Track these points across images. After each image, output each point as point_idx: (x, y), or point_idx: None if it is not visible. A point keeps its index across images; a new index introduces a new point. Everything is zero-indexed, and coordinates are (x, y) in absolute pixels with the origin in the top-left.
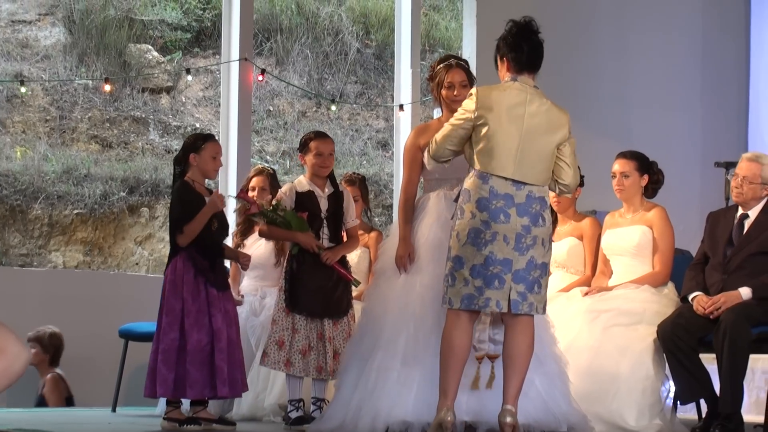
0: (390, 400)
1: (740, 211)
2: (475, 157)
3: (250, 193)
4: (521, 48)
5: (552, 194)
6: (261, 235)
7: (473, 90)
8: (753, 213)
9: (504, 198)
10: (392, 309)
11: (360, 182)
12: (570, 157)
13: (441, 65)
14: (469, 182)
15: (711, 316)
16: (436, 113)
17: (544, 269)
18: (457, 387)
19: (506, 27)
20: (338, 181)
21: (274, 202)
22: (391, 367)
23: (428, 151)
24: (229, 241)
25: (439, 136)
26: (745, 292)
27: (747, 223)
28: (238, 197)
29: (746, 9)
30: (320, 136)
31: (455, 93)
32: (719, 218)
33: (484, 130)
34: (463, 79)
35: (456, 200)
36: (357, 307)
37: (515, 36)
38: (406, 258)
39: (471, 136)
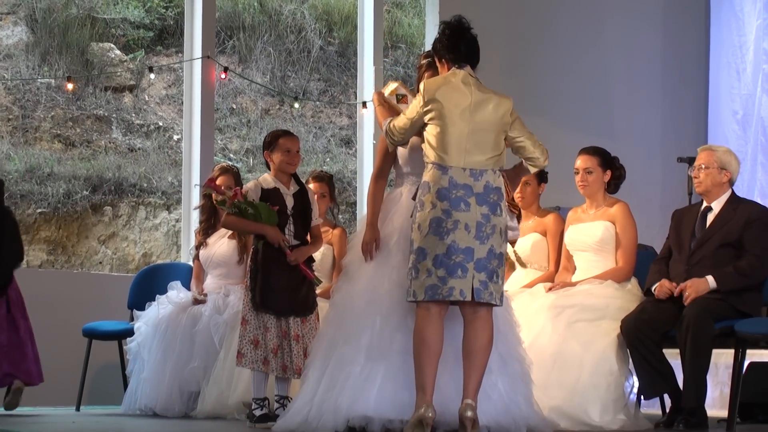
0: (352, 395)
1: (704, 205)
2: (430, 150)
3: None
4: (458, 48)
5: (516, 191)
6: (225, 225)
7: (422, 85)
8: (717, 205)
9: (463, 188)
10: (359, 303)
11: (328, 179)
12: (524, 132)
13: (425, 60)
14: (428, 174)
15: (677, 296)
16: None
17: (501, 259)
18: (434, 382)
19: (439, 29)
20: (303, 180)
21: (243, 192)
22: (354, 361)
23: (386, 132)
24: (191, 239)
25: (396, 125)
26: (711, 280)
27: (710, 216)
28: (206, 186)
29: (706, 6)
30: (288, 133)
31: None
32: (684, 215)
33: (434, 123)
34: None
35: (414, 197)
36: (322, 305)
37: (450, 37)
38: (372, 244)
39: (424, 130)
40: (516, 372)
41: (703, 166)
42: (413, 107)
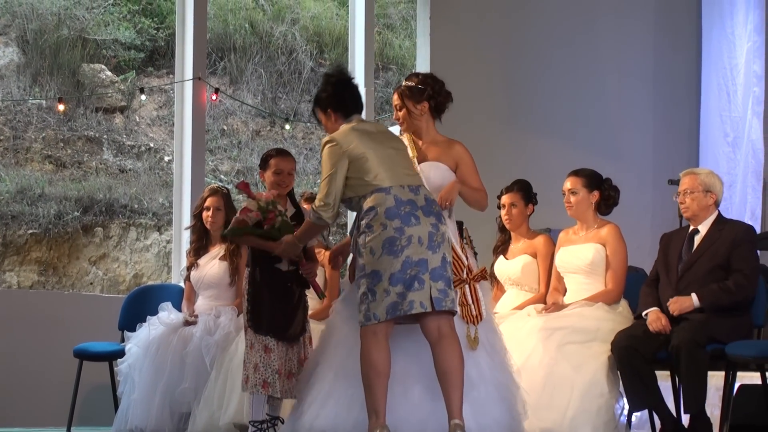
0: (315, 412)
1: (691, 227)
2: (363, 183)
3: (205, 213)
4: (344, 97)
5: (503, 211)
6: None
7: (328, 139)
8: (703, 228)
9: (408, 203)
10: (340, 325)
11: None
12: None
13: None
14: (370, 201)
15: (667, 331)
16: (396, 130)
17: (450, 267)
18: (385, 404)
19: (322, 81)
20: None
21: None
22: (324, 379)
23: (314, 218)
24: (182, 260)
25: (320, 196)
26: (694, 297)
27: (697, 239)
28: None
29: (697, 29)
30: (281, 153)
31: (395, 116)
32: (671, 239)
33: (359, 160)
34: (397, 102)
35: (351, 233)
36: (313, 326)
37: (336, 86)
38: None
39: (347, 175)
40: (486, 395)
41: (689, 191)
42: (329, 161)
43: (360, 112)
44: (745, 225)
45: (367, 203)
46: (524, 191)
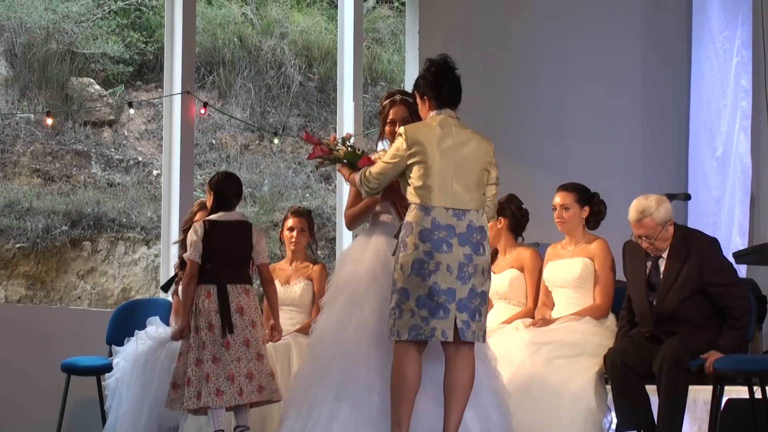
0: None
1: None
2: (413, 192)
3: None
4: (441, 86)
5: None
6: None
7: (401, 130)
8: (665, 251)
9: (446, 229)
10: (329, 343)
11: (307, 214)
12: (496, 181)
13: (387, 100)
14: (411, 215)
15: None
16: (380, 146)
17: (484, 298)
18: (410, 418)
19: (424, 66)
20: (282, 215)
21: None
22: (325, 401)
23: (359, 182)
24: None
25: (373, 171)
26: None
27: (662, 263)
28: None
29: (687, 42)
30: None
31: (397, 129)
32: (633, 253)
33: (419, 166)
34: (406, 115)
35: (396, 236)
36: (300, 340)
37: (435, 75)
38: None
39: (405, 173)
40: (487, 402)
41: (652, 237)
42: (392, 152)
43: (455, 106)
44: (707, 241)
45: (409, 216)
46: (499, 206)
